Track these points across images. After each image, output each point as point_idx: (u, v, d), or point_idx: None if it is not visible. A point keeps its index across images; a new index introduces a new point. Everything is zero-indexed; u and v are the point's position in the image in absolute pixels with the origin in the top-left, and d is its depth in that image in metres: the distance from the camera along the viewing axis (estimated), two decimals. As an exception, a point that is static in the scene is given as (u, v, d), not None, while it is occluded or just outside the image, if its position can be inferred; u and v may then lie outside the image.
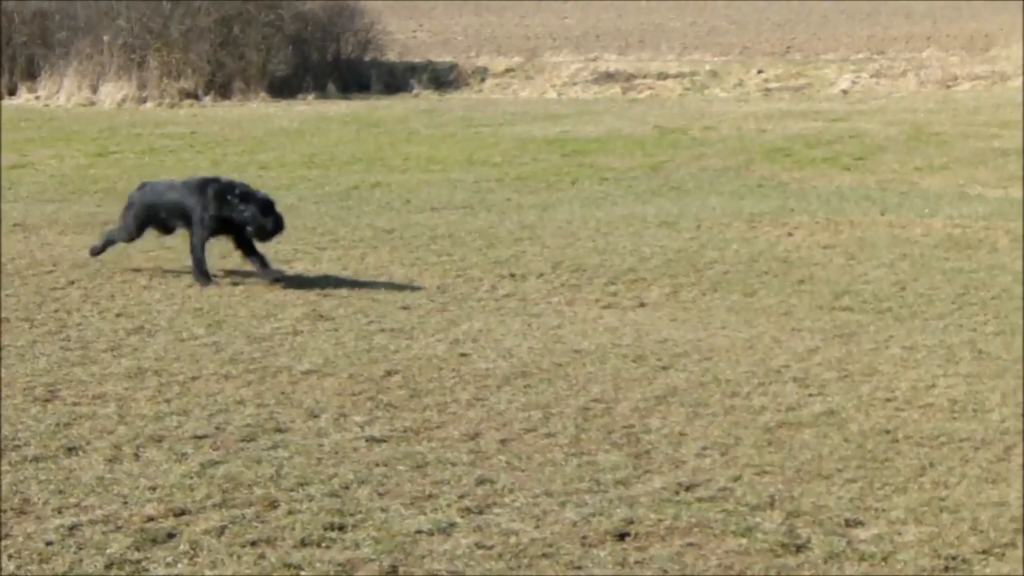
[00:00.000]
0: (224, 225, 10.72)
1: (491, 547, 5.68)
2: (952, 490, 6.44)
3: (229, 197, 10.63)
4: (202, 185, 10.85)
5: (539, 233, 13.21)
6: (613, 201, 15.51)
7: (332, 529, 5.78)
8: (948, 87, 26.49)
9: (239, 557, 5.49)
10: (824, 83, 27.60)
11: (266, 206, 10.68)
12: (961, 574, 5.59)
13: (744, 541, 5.81)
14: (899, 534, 5.91)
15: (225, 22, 30.26)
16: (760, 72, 28.99)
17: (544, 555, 5.62)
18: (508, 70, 31.26)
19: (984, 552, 5.76)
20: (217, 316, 9.67)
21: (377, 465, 6.59)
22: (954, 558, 5.70)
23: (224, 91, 29.52)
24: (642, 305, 10.37)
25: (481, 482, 6.40)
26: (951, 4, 44.86)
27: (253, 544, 5.61)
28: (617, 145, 20.50)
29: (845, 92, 26.65)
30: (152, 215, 11.05)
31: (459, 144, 21.12)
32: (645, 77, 29.46)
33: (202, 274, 10.72)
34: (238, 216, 10.61)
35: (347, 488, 6.26)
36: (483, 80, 30.90)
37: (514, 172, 17.86)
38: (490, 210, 14.90)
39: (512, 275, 11.37)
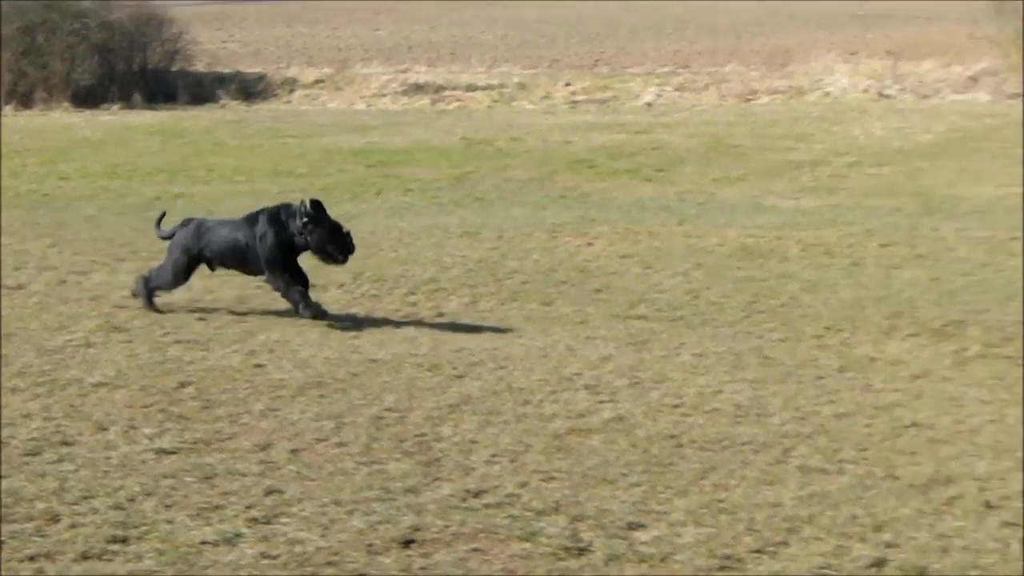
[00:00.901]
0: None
1: (276, 556, 5.70)
2: (731, 492, 6.64)
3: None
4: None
5: (342, 244, 13.20)
6: (417, 212, 15.57)
7: (115, 542, 5.74)
8: (748, 101, 27.12)
9: (16, 573, 5.42)
10: (629, 96, 28.04)
11: None
12: (735, 573, 5.77)
13: (528, 545, 5.91)
14: (678, 535, 6.07)
15: (28, 31, 29.63)
16: (568, 85, 29.34)
17: (329, 563, 5.66)
18: (318, 81, 31.15)
19: (758, 551, 5.95)
20: (8, 329, 9.50)
21: (165, 477, 6.56)
22: (729, 557, 5.87)
23: (26, 100, 28.93)
24: (440, 315, 10.45)
25: (270, 492, 6.41)
26: (754, 20, 45.92)
27: (31, 559, 5.54)
28: (423, 156, 20.58)
29: (649, 105, 27.12)
30: None
31: (265, 155, 21.00)
32: (454, 89, 29.62)
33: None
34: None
35: (132, 500, 6.22)
36: (292, 91, 30.73)
37: (319, 183, 17.81)
38: (294, 221, 14.84)
39: (312, 285, 11.35)
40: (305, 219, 9.82)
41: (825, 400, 8.29)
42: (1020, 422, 7.95)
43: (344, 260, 10.07)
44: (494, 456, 7.03)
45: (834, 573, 5.78)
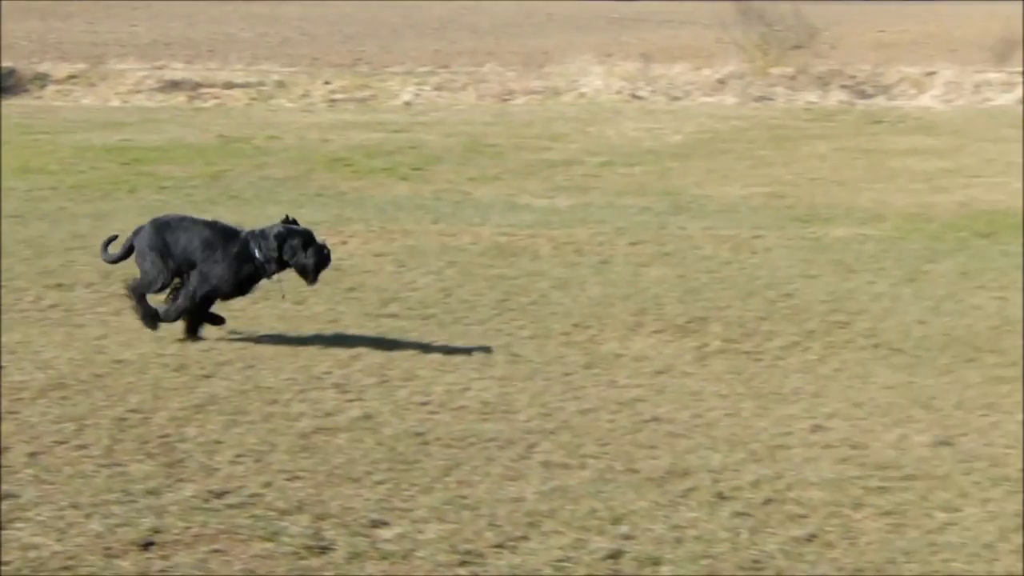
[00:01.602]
0: None
1: (10, 562, 5.58)
2: (475, 488, 6.73)
3: None
4: None
5: (91, 243, 12.91)
6: (171, 210, 15.24)
7: None
8: (505, 101, 27.39)
9: None
10: (388, 95, 28.05)
11: None
12: (476, 568, 5.85)
13: (270, 545, 5.90)
14: (421, 532, 6.13)
15: None
16: (327, 83, 29.19)
17: (64, 568, 5.57)
18: (71, 77, 30.36)
19: (499, 546, 6.05)
20: None
21: None
22: (470, 552, 5.96)
23: None
24: (190, 315, 10.31)
25: (6, 497, 6.26)
26: (513, 22, 46.39)
27: None
28: (179, 154, 20.26)
29: (408, 104, 27.18)
30: None
31: (14, 152, 20.40)
32: (212, 86, 29.18)
33: None
34: None
35: None
36: (44, 86, 29.90)
37: (70, 180, 17.41)
38: (42, 219, 14.48)
39: (59, 285, 11.14)
40: (282, 241, 9.19)
41: (570, 396, 8.46)
42: (755, 415, 8.23)
43: (314, 279, 9.39)
44: (238, 456, 6.99)
45: (572, 566, 5.91)
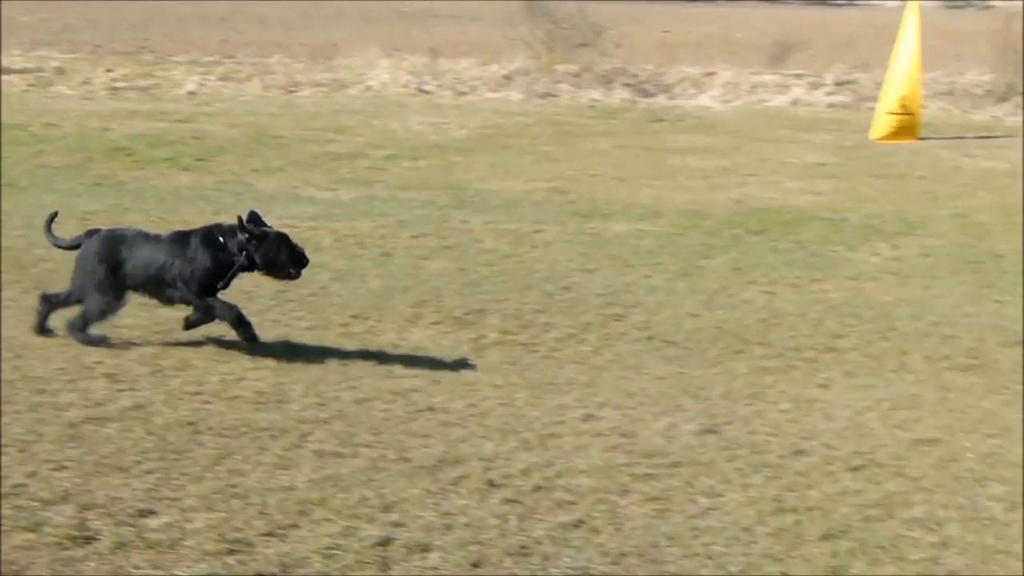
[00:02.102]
0: None
1: None
2: (246, 477, 6.71)
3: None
4: None
5: None
6: (-60, 198, 14.90)
7: None
8: (291, 92, 27.19)
9: None
10: (172, 84, 27.60)
11: None
12: (244, 556, 5.84)
13: (32, 536, 5.81)
14: (189, 521, 6.10)
15: None
16: (109, 71, 28.62)
17: None
18: None
19: (268, 534, 6.05)
20: None
21: None
22: (239, 541, 5.95)
23: None
24: (-43, 304, 10.06)
25: None
26: (302, 14, 46.09)
27: None
28: (-49, 140, 19.68)
29: (192, 94, 26.79)
30: None
31: None
32: (-12, 71, 28.41)
33: None
34: None
35: None
36: None
37: None
38: None
39: None
40: (247, 235, 8.88)
41: (346, 386, 8.47)
42: (528, 405, 8.35)
43: (298, 274, 9.12)
44: (3, 447, 6.85)
45: (341, 553, 5.94)
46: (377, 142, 21.04)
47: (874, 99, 24.68)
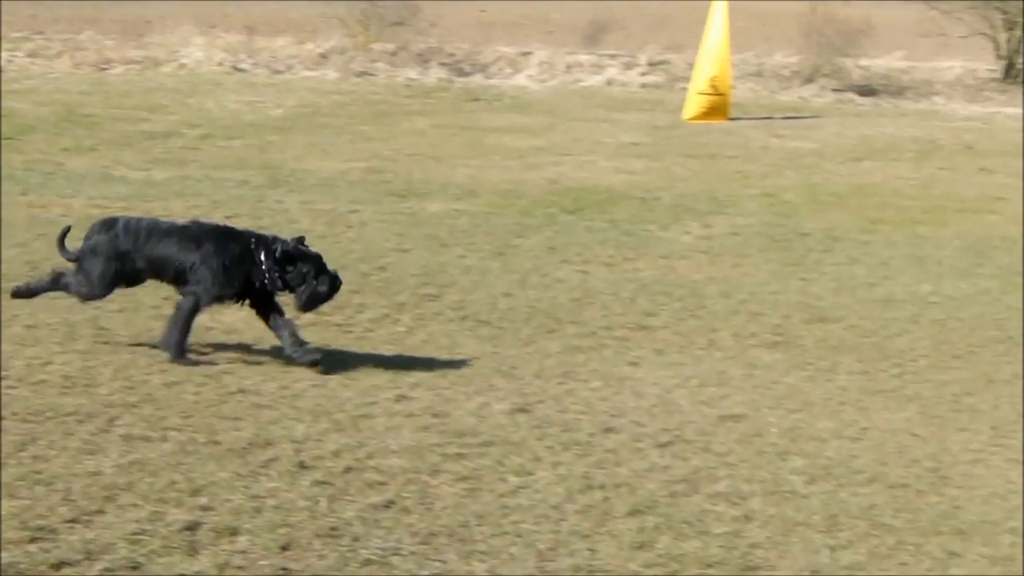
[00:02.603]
0: None
1: None
2: (50, 463, 6.61)
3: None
4: None
5: None
6: None
7: None
8: (102, 70, 26.63)
9: None
10: (-22, 60, 26.89)
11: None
12: (48, 543, 5.76)
13: None
14: (-7, 509, 5.99)
15: None
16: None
17: None
18: None
19: (72, 520, 5.98)
20: None
21: None
22: (42, 528, 5.87)
23: None
24: None
25: None
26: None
27: None
28: None
29: (-1, 71, 26.13)
30: None
31: None
32: None
33: None
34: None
35: None
36: None
37: None
38: None
39: None
40: (293, 257, 8.57)
41: (156, 370, 8.38)
42: (341, 386, 8.35)
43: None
44: None
45: (148, 538, 5.89)
46: (191, 121, 20.76)
47: (686, 80, 25.08)
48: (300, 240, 8.80)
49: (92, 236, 8.69)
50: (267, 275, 8.57)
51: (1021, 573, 6.47)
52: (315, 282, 8.65)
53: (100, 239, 8.61)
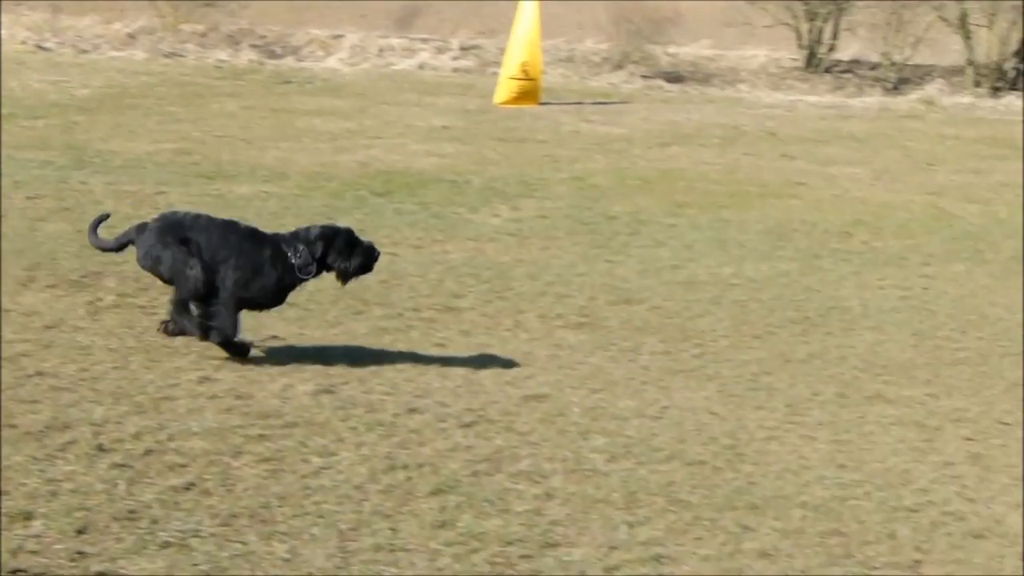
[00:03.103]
0: None
1: None
2: None
3: None
4: None
5: None
6: None
7: None
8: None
9: None
10: None
11: None
12: None
13: None
14: None
15: None
16: None
17: None
18: None
19: None
20: None
21: None
22: None
23: None
24: None
25: None
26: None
27: None
28: None
29: None
30: None
31: None
32: None
33: None
34: None
35: None
36: None
37: None
38: None
39: None
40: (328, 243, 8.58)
41: (-49, 353, 8.19)
42: (143, 368, 8.26)
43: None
44: None
45: (-62, 523, 5.77)
46: (-7, 101, 20.23)
47: (498, 65, 25.19)
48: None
49: None
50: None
51: (813, 543, 6.68)
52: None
53: None
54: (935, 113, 26.26)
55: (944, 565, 6.58)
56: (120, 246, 8.74)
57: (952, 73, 29.80)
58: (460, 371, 8.91)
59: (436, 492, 6.76)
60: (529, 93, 23.25)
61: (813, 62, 30.10)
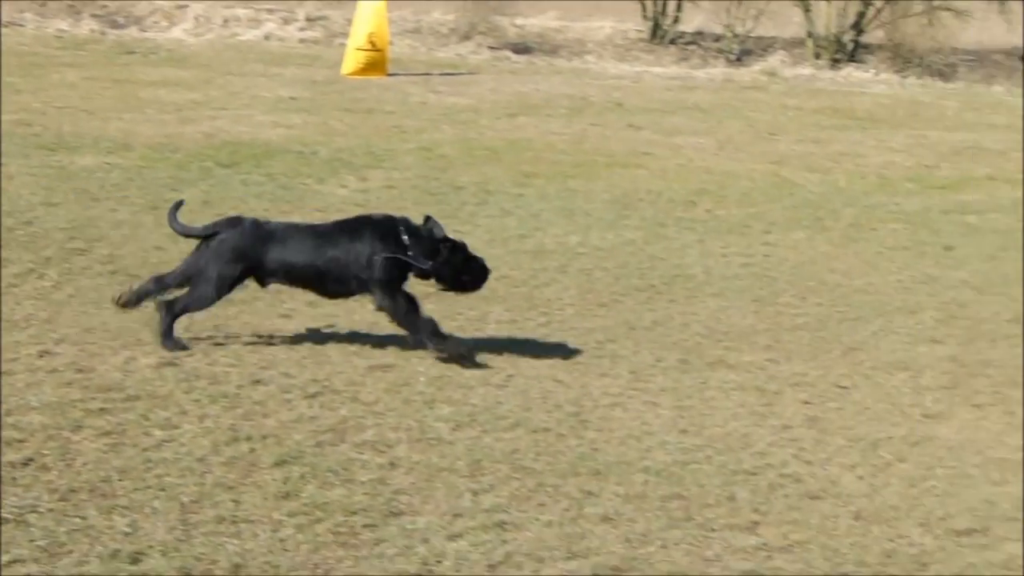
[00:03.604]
0: None
1: None
2: None
3: None
4: None
5: None
6: None
7: None
8: None
9: None
10: None
11: None
12: None
13: None
14: None
15: None
16: None
17: None
18: None
19: None
20: None
21: None
22: None
23: None
24: None
25: None
26: None
27: None
28: None
29: None
30: None
31: None
32: None
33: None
34: None
35: None
36: None
37: None
38: None
39: None
40: (439, 242, 8.79)
41: None
42: (-20, 343, 8.11)
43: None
44: None
45: None
46: None
47: (345, 35, 25.05)
48: None
49: None
50: None
51: (654, 507, 6.78)
52: None
53: None
54: (777, 84, 26.71)
55: (781, 526, 6.72)
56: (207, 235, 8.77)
57: (793, 45, 30.34)
58: (306, 342, 8.88)
59: (280, 463, 6.75)
60: (376, 64, 23.17)
61: (658, 34, 30.41)
